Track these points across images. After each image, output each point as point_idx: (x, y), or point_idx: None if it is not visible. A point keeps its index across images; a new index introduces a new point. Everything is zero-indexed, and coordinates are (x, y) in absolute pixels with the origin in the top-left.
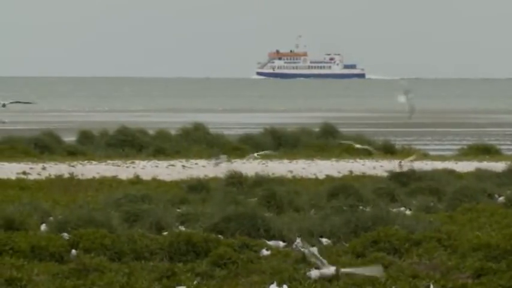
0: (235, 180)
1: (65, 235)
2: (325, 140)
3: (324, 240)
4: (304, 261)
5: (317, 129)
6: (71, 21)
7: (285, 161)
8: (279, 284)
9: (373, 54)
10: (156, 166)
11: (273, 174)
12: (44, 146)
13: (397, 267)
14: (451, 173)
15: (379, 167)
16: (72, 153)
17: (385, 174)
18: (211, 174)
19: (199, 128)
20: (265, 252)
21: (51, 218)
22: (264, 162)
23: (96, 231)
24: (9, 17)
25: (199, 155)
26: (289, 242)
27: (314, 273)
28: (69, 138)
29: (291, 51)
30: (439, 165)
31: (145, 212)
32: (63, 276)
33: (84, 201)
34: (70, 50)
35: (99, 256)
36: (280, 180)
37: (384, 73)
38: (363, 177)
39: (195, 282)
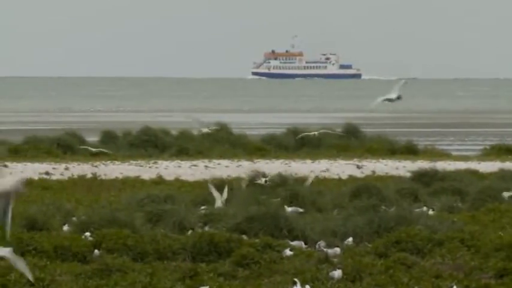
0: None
1: (88, 235)
2: (348, 141)
3: (347, 241)
4: (327, 261)
5: (340, 130)
6: (81, 21)
7: (308, 161)
8: (302, 284)
9: (369, 55)
10: (179, 166)
11: (295, 174)
12: (66, 146)
13: (420, 267)
14: (473, 173)
15: (402, 167)
16: (95, 153)
17: (408, 174)
18: (234, 175)
19: (222, 128)
20: (288, 252)
21: (74, 218)
22: (287, 162)
23: (119, 232)
24: (15, 17)
25: (222, 155)
26: (312, 242)
27: (337, 273)
28: (92, 138)
29: (286, 51)
30: (461, 165)
31: (168, 212)
32: (86, 276)
33: (107, 201)
34: (80, 50)
35: (122, 256)
36: (303, 181)
37: (379, 73)
38: (386, 178)
39: (217, 284)
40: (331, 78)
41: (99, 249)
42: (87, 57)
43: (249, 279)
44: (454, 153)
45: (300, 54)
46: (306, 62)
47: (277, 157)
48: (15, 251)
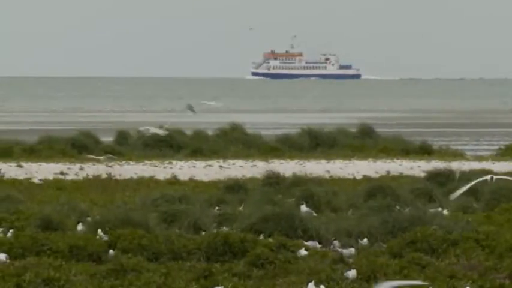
0: (273, 180)
1: (102, 235)
2: (362, 140)
3: (362, 241)
4: (342, 261)
5: (354, 130)
6: (87, 21)
7: (323, 161)
8: (317, 284)
9: (369, 55)
10: (194, 166)
11: (310, 174)
12: (81, 146)
13: (434, 267)
14: (488, 173)
15: (417, 167)
16: (109, 153)
17: (423, 174)
18: (248, 175)
19: (237, 128)
20: (302, 252)
21: (88, 219)
22: (301, 162)
23: (134, 232)
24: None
25: (236, 156)
26: (327, 242)
27: (352, 273)
28: (107, 139)
29: (286, 51)
30: (476, 165)
31: (182, 213)
32: (100, 276)
33: (122, 201)
34: (81, 51)
35: (136, 256)
36: (318, 181)
37: (379, 73)
38: (401, 178)
39: (231, 284)
40: (330, 78)
41: (113, 249)
42: (88, 57)
43: (263, 279)
44: (469, 153)
45: (300, 54)
46: (306, 62)
47: (291, 157)
48: (28, 252)
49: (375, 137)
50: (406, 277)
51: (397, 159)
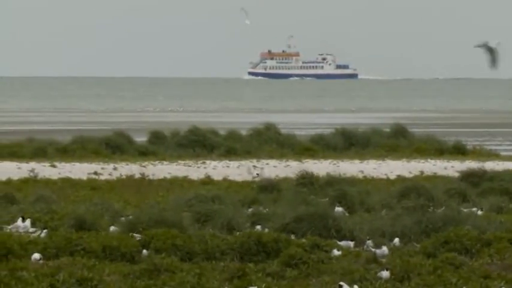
0: (306, 180)
1: (137, 235)
2: (396, 140)
3: (394, 241)
4: (375, 261)
5: (388, 130)
6: (103, 22)
7: (356, 161)
8: (350, 284)
9: (366, 55)
10: (227, 166)
11: (344, 174)
12: (115, 146)
13: (468, 267)
14: None
15: (451, 167)
16: (143, 153)
17: (457, 174)
18: (282, 175)
19: (270, 128)
20: (336, 252)
21: (122, 218)
22: (335, 162)
23: (167, 232)
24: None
25: (270, 155)
26: (360, 242)
27: (385, 273)
28: (141, 139)
29: (283, 51)
30: (510, 165)
31: (216, 212)
32: (134, 276)
33: (155, 201)
34: (103, 50)
35: (170, 256)
36: (352, 181)
37: (376, 73)
38: (434, 178)
39: (265, 284)
40: (327, 78)
41: (147, 249)
42: (95, 58)
43: (297, 279)
44: (503, 153)
45: (297, 54)
46: (303, 62)
47: (325, 157)
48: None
49: (408, 137)
50: (439, 277)
51: (431, 159)
